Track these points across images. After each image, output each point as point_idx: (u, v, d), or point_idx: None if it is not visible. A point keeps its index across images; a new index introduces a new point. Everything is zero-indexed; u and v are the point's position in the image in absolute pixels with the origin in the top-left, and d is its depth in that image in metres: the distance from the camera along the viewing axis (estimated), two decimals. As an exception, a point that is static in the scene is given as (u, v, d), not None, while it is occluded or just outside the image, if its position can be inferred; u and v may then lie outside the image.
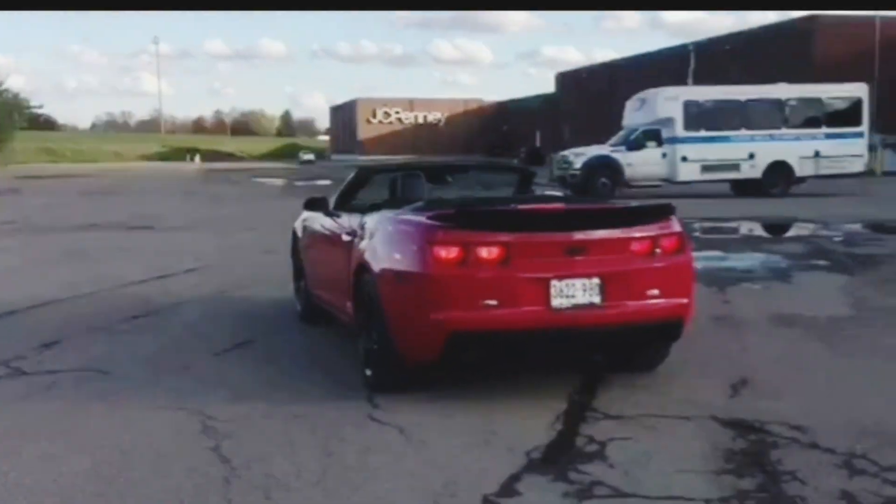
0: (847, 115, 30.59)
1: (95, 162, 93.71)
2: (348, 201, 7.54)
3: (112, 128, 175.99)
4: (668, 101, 29.47)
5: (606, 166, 28.91)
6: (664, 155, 28.93)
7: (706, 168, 28.75)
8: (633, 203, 6.30)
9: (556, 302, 5.44)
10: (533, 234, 5.54)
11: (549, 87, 73.88)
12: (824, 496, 4.15)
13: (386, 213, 6.30)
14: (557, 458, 4.69)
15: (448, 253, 5.37)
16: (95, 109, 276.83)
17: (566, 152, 31.05)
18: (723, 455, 4.72)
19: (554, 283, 5.42)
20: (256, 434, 5.08)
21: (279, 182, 48.94)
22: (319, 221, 7.74)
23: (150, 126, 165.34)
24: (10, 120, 77.50)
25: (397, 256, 5.75)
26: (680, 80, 48.62)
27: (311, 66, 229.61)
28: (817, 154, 29.36)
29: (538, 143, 72.47)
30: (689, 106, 29.46)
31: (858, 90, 31.08)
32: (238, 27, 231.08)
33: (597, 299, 5.51)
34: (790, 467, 4.50)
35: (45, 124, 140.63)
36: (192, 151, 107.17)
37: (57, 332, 7.88)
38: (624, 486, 4.28)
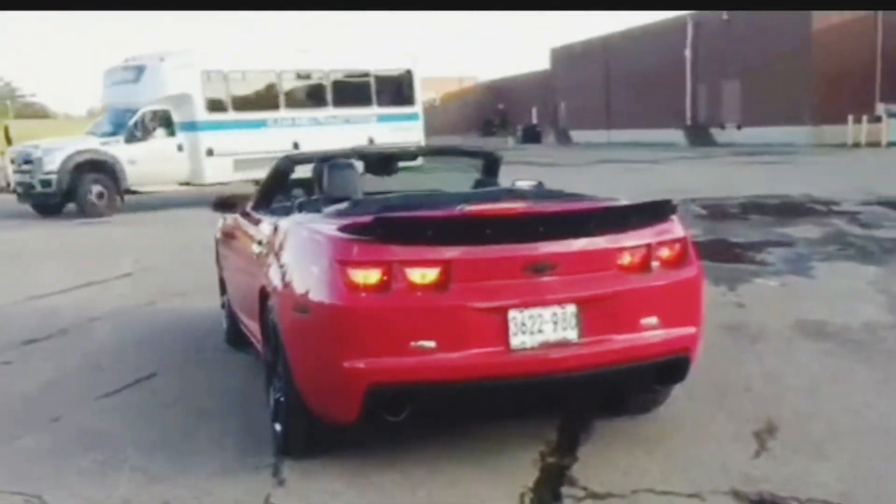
0: (399, 92, 24.26)
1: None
2: (268, 200, 5.91)
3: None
4: (179, 71, 20.21)
5: (98, 166, 18.97)
6: (180, 147, 20.07)
7: (240, 164, 20.12)
8: (621, 201, 4.75)
9: (517, 340, 3.97)
10: (483, 248, 4.02)
11: (545, 63, 72.13)
12: None
13: (294, 219, 4.82)
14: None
15: (365, 276, 3.90)
16: (90, 98, 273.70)
17: (27, 146, 20.10)
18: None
19: (513, 314, 3.96)
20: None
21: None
22: (235, 225, 6.18)
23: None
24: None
25: (300, 280, 4.25)
26: (678, 54, 47.00)
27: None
28: (371, 142, 21.73)
29: (535, 121, 71.01)
30: (211, 77, 20.84)
31: (407, 60, 24.59)
32: (237, 20, 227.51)
33: (572, 334, 4.05)
34: None
35: (39, 113, 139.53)
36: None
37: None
38: None
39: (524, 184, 5.82)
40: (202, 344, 6.83)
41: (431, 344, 3.84)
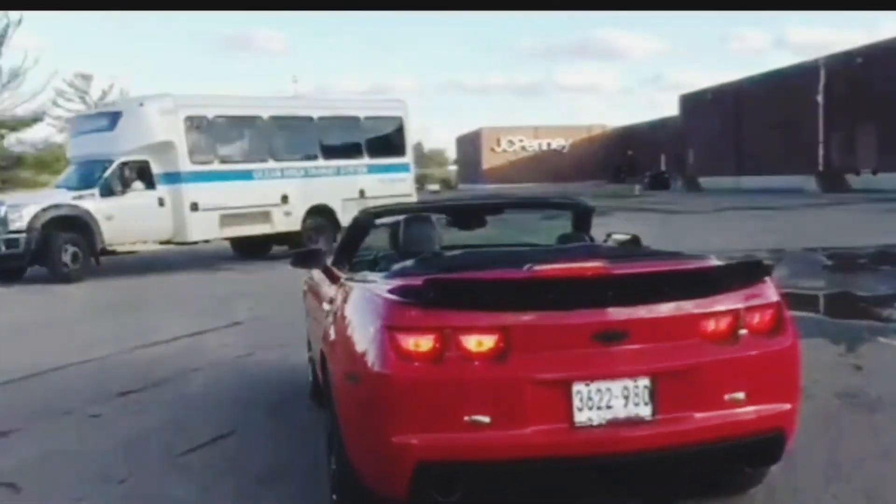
0: (389, 142, 22.27)
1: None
2: (349, 255, 5.58)
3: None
4: (161, 117, 17.92)
5: (71, 223, 16.69)
6: (161, 201, 17.73)
7: (227, 220, 18.35)
8: (711, 261, 4.18)
9: (583, 416, 3.56)
10: (546, 314, 3.61)
11: (673, 111, 71.09)
12: None
13: (358, 277, 4.53)
14: None
15: (416, 343, 3.54)
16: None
17: None
18: None
19: (578, 387, 3.55)
20: None
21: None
22: (315, 280, 5.94)
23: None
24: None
25: (351, 344, 3.91)
26: (810, 99, 45.44)
27: (441, 98, 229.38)
28: (362, 195, 20.05)
29: (663, 168, 69.89)
30: (195, 124, 18.54)
31: (398, 108, 22.81)
32: (371, 65, 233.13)
33: (645, 411, 3.61)
34: None
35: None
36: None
37: (16, 418, 6.40)
38: None
39: (620, 237, 5.54)
40: (288, 399, 6.65)
41: (486, 419, 3.47)
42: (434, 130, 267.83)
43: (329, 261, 5.60)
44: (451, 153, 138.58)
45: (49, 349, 9.19)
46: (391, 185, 20.64)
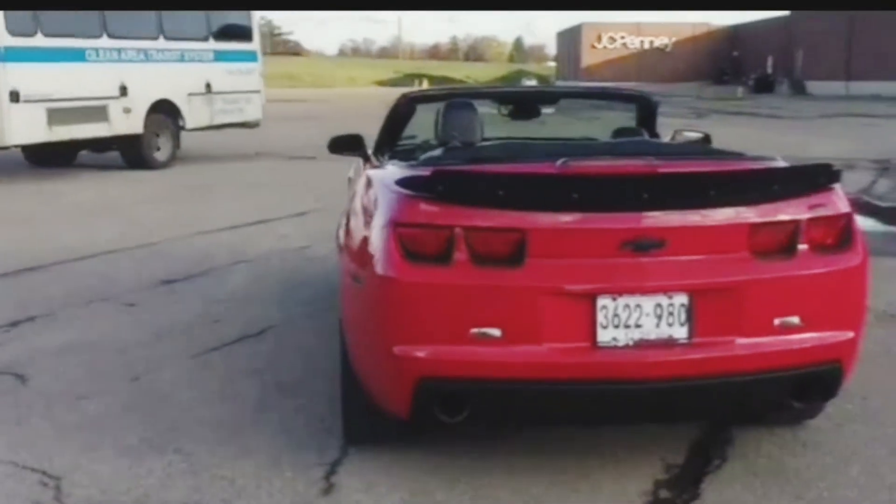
0: (233, 23, 17.01)
1: (331, 87, 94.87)
2: (390, 144, 5.11)
3: (356, 54, 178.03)
4: None
5: None
6: None
7: (56, 116, 12.86)
8: (767, 161, 3.60)
9: (607, 335, 3.07)
10: (571, 216, 3.10)
11: (782, 11, 67.44)
12: None
13: (382, 167, 3.97)
14: None
15: (422, 242, 3.09)
16: (341, 37, 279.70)
17: None
18: None
19: (604, 301, 3.06)
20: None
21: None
22: (356, 169, 5.32)
23: (390, 52, 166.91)
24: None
25: (358, 242, 3.47)
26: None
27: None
28: (209, 89, 16.06)
29: (769, 70, 66.73)
30: None
31: None
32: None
33: (680, 332, 3.10)
34: None
35: (294, 49, 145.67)
36: (420, 78, 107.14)
37: (50, 302, 6.09)
38: None
39: (690, 135, 5.13)
40: (331, 299, 6.18)
41: (497, 332, 3.03)
42: (536, 25, 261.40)
43: (370, 150, 5.04)
44: (552, 49, 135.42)
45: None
46: (240, 77, 16.82)
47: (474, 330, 3.03)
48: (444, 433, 3.72)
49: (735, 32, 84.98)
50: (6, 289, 6.64)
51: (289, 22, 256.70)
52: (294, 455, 3.67)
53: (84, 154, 15.35)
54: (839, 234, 3.28)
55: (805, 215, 3.20)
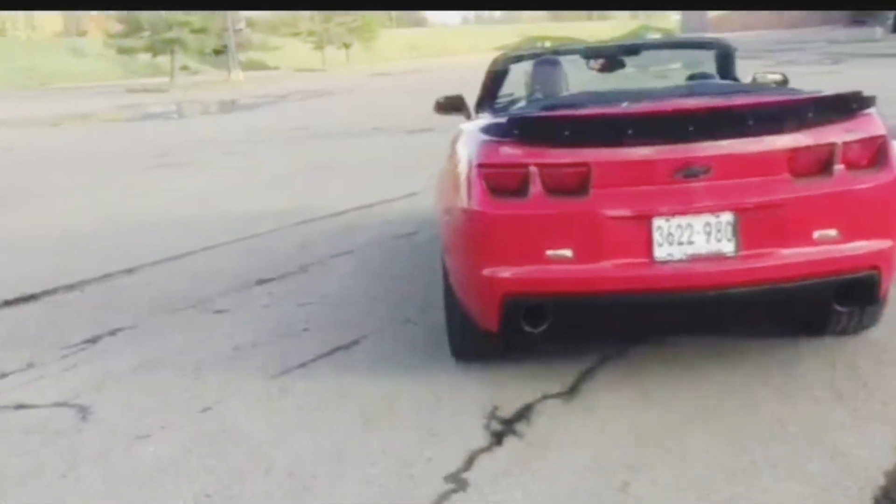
0: None
1: (454, 55, 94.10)
2: (490, 102, 5.38)
3: (479, 21, 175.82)
4: None
5: None
6: None
7: None
8: (803, 92, 4.05)
9: (663, 251, 3.53)
10: (627, 150, 3.53)
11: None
12: None
13: (468, 122, 4.66)
14: None
15: (501, 179, 3.60)
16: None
17: None
18: None
19: (659, 222, 3.52)
20: None
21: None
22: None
23: (512, 16, 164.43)
24: (377, 21, 79.86)
25: (450, 182, 4.06)
26: None
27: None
28: None
29: (910, 8, 62.16)
30: None
31: None
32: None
33: (728, 247, 3.54)
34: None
35: (417, 21, 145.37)
36: (542, 40, 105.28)
37: (135, 311, 5.57)
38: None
39: (770, 77, 5.47)
40: (435, 303, 5.45)
41: (568, 253, 3.51)
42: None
43: (473, 108, 5.49)
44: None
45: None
46: None
47: (549, 252, 3.50)
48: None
49: (870, -29, 79.82)
50: (97, 296, 6.16)
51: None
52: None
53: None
54: (873, 154, 3.59)
55: (840, 138, 3.53)
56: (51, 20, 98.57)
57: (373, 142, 15.20)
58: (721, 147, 3.49)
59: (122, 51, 56.97)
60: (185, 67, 60.71)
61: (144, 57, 59.38)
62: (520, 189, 3.52)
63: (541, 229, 3.51)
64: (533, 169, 3.50)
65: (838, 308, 3.76)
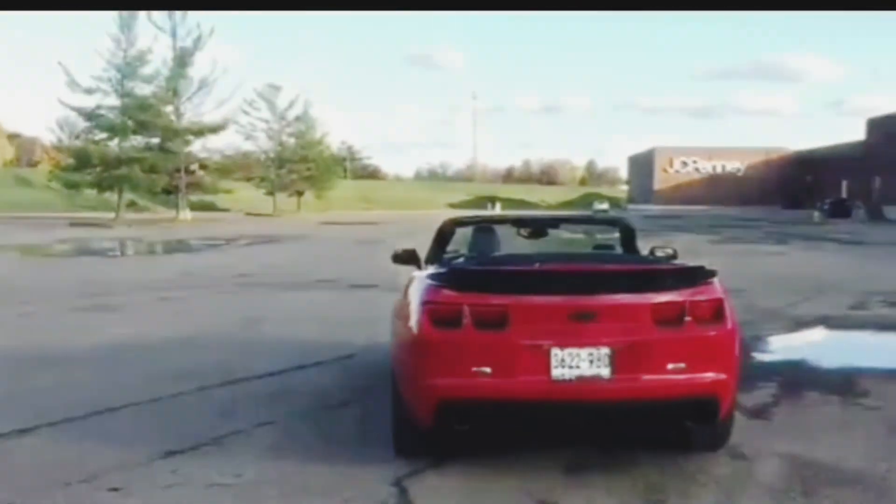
0: None
1: (404, 209, 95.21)
2: (438, 256, 6.66)
3: (433, 177, 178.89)
4: None
5: None
6: None
7: None
8: (663, 264, 5.73)
9: (557, 372, 4.63)
10: (534, 297, 4.74)
11: (855, 136, 65.81)
12: None
13: (419, 271, 5.85)
14: None
15: (441, 315, 4.70)
16: (418, 161, 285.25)
17: None
18: None
19: (555, 351, 4.62)
20: None
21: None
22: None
23: (466, 175, 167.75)
24: (331, 172, 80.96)
25: (402, 314, 5.17)
26: None
27: (614, 117, 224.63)
28: None
29: (844, 195, 64.75)
30: None
31: None
32: (546, 85, 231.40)
33: (605, 371, 4.64)
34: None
35: (371, 174, 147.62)
36: (493, 200, 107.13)
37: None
38: None
39: (660, 253, 6.79)
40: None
41: (488, 370, 4.58)
42: (607, 149, 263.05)
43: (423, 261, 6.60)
44: (624, 173, 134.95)
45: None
46: None
47: (474, 368, 4.59)
48: None
49: (808, 157, 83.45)
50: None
51: (368, 148, 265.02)
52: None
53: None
54: (714, 312, 4.82)
55: (689, 298, 4.76)
56: (2, 149, 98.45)
57: (314, 296, 14.63)
58: (604, 300, 4.73)
59: (69, 185, 56.80)
60: (131, 203, 60.43)
61: (92, 191, 59.11)
62: (454, 321, 4.65)
63: (469, 351, 4.62)
64: (465, 308, 4.65)
65: (690, 424, 5.04)
